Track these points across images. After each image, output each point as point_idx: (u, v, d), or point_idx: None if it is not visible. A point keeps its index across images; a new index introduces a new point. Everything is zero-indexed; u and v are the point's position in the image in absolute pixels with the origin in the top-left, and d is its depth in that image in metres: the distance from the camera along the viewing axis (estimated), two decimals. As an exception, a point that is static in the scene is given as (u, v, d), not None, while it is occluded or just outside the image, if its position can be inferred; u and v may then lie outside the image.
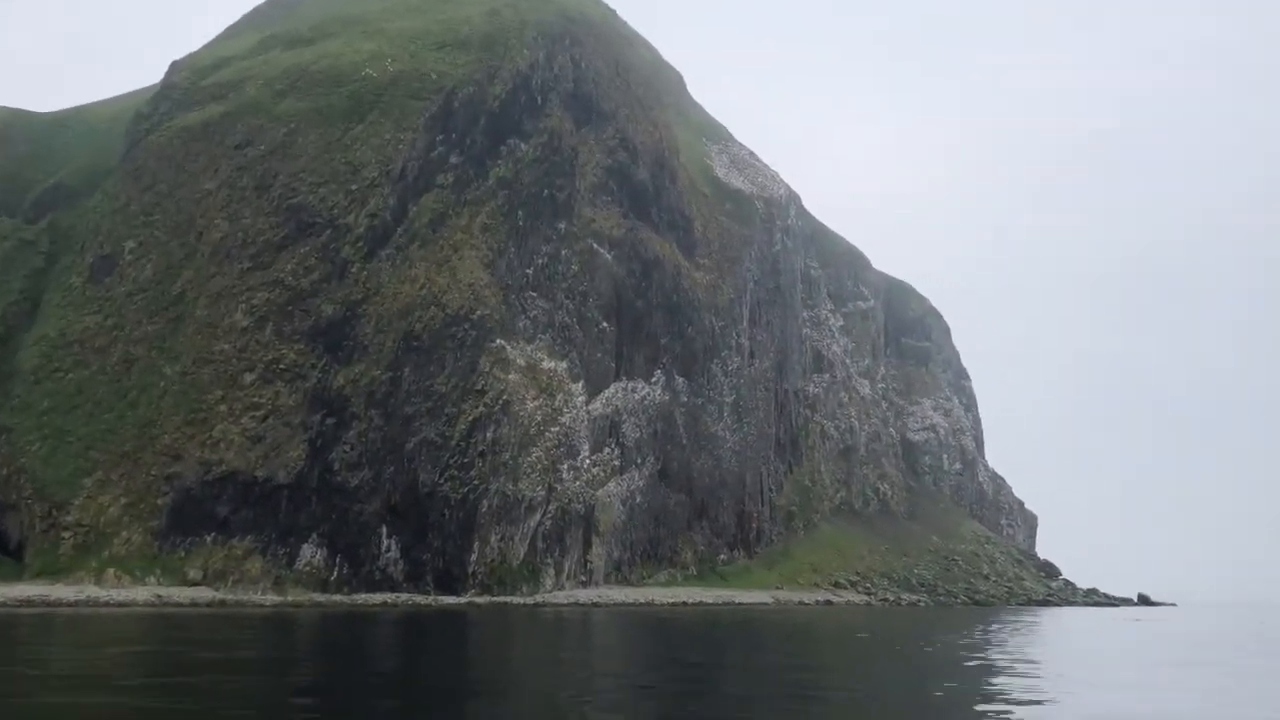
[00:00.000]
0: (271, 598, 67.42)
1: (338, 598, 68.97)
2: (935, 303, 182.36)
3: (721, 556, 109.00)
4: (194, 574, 67.95)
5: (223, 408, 72.06)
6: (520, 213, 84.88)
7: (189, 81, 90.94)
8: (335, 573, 70.75)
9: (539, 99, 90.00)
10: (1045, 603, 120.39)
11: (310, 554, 70.57)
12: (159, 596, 64.24)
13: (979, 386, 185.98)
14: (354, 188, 76.01)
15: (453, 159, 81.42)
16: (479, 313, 76.89)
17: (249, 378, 72.53)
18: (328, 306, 73.37)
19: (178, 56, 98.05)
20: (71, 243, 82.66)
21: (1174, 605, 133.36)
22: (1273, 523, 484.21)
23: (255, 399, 72.08)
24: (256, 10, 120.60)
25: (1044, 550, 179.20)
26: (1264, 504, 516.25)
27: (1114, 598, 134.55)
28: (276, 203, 76.23)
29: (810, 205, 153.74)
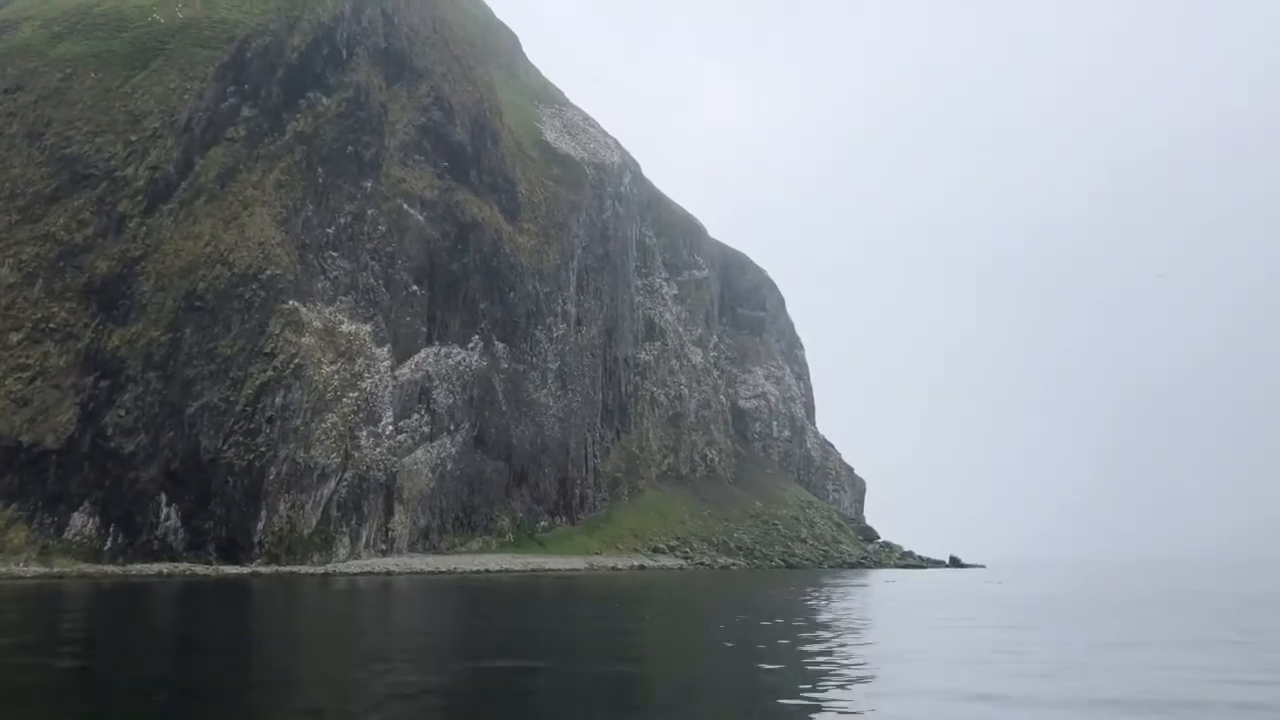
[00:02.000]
0: (35, 569, 63.88)
1: (110, 568, 65.85)
2: (779, 273, 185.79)
3: (542, 523, 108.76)
4: (-52, 545, 63.84)
5: (-15, 369, 67.64)
6: (321, 170, 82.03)
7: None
8: (109, 542, 67.52)
9: (344, 52, 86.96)
10: (858, 565, 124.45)
11: (81, 522, 67.11)
12: (-97, 569, 60.13)
13: (826, 357, 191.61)
14: (134, 138, 71.97)
15: (245, 111, 77.94)
16: (269, 272, 74.08)
17: (15, 337, 68.17)
18: (103, 263, 69.48)
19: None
20: None
21: (983, 567, 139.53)
22: (1107, 490, 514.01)
23: (22, 359, 67.84)
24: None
25: (878, 515, 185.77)
26: (1105, 471, 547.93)
27: (926, 560, 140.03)
28: (49, 152, 71.61)
29: (684, 178, 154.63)
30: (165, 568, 67.32)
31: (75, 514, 66.95)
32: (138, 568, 66.56)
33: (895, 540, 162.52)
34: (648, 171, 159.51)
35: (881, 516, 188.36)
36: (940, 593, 50.86)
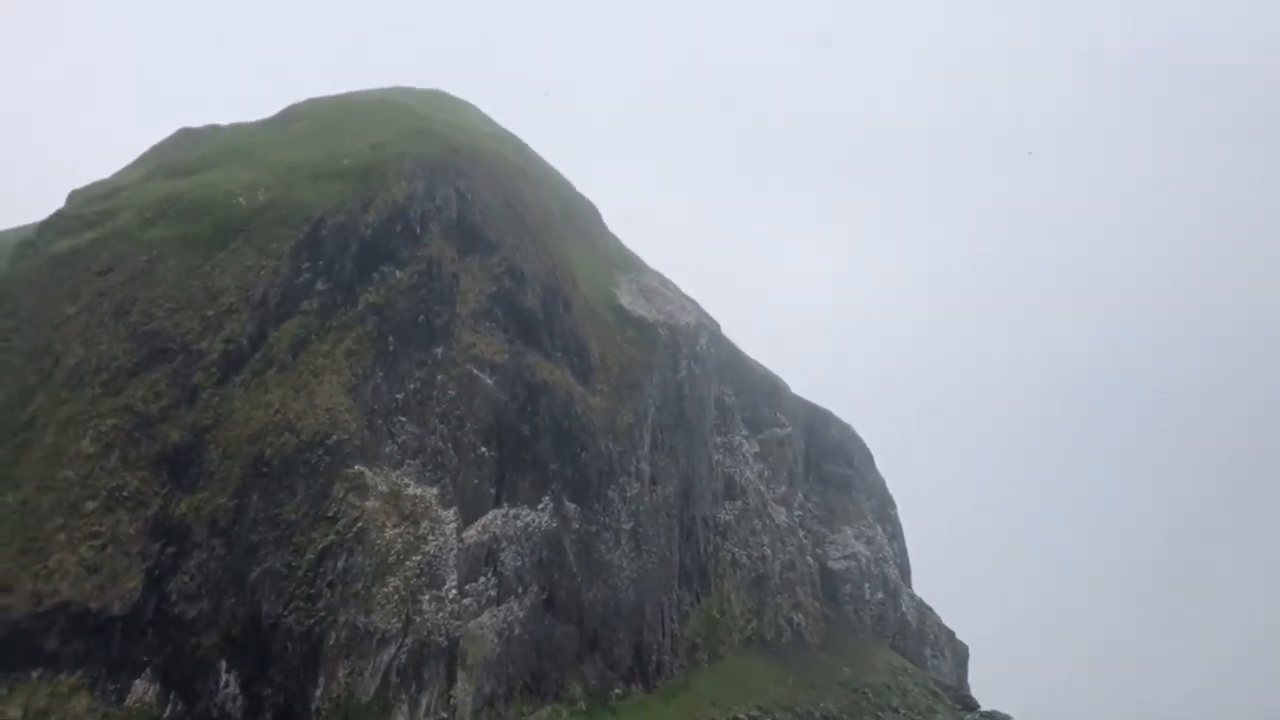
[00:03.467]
0: (93, 737, 64.44)
1: (168, 737, 66.09)
2: (869, 430, 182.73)
3: (616, 690, 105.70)
4: (14, 713, 64.73)
5: (61, 536, 69.85)
6: (392, 338, 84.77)
7: (75, 209, 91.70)
8: (169, 709, 67.75)
9: (417, 229, 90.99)
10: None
11: (142, 689, 67.67)
12: (-32, 738, 61.22)
13: (921, 514, 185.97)
14: (210, 313, 75.78)
15: (319, 285, 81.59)
16: (335, 438, 75.93)
17: (90, 505, 70.68)
18: (175, 432, 72.23)
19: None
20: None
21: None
22: (1234, 657, 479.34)
23: (95, 528, 70.11)
24: (166, 141, 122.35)
25: (986, 681, 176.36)
26: (1228, 639, 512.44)
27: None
28: (132, 329, 75.77)
29: (764, 334, 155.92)
30: (221, 736, 67.23)
31: (137, 681, 67.60)
32: (194, 736, 66.60)
33: (1001, 709, 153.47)
34: (729, 330, 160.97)
35: (991, 683, 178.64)
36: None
